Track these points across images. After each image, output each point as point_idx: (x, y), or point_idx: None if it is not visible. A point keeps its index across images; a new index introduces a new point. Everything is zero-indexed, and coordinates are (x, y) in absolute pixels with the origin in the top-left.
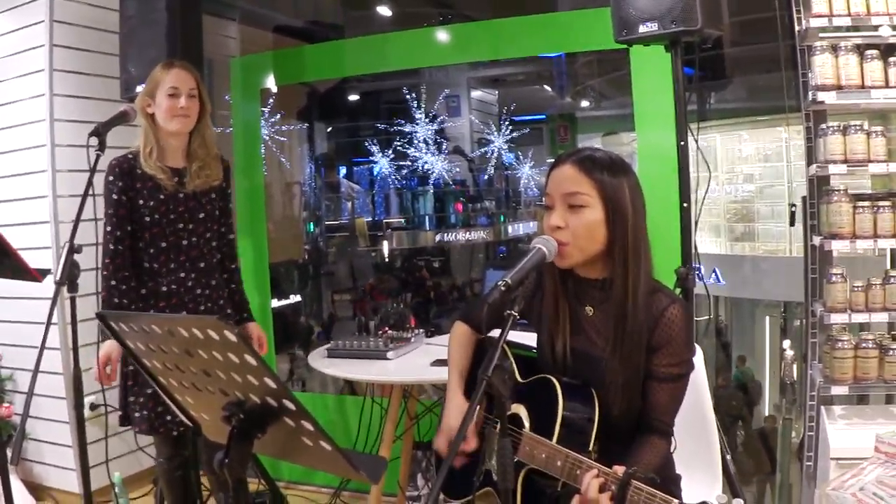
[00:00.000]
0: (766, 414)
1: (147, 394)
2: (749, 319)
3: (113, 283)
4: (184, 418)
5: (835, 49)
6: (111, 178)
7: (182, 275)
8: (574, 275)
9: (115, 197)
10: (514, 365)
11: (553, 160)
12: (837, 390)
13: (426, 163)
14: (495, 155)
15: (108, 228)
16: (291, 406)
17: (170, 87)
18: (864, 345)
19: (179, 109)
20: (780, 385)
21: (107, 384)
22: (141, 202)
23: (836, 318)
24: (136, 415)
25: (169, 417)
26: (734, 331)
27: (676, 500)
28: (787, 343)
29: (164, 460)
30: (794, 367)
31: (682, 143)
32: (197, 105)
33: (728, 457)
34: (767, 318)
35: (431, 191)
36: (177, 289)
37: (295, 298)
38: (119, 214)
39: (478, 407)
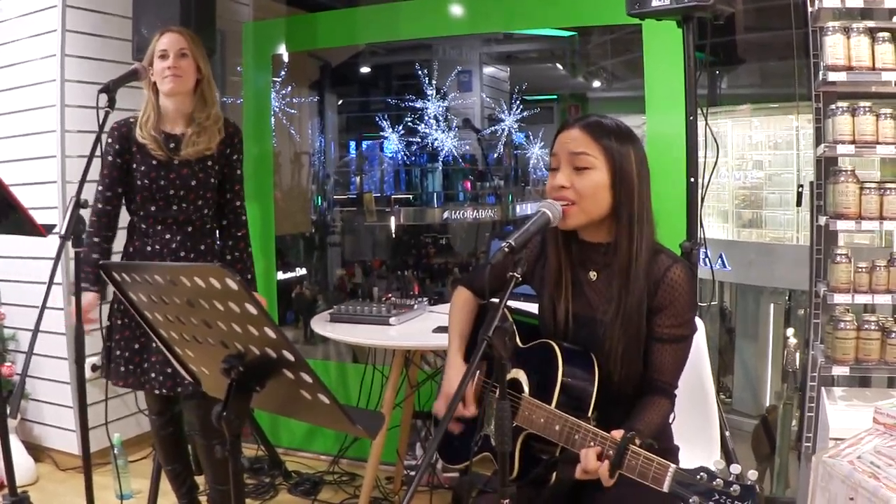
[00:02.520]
0: (768, 401)
1: (133, 349)
2: (754, 306)
3: (95, 239)
4: (185, 373)
5: (846, 31)
6: (110, 140)
7: (167, 236)
8: (578, 239)
9: (109, 158)
10: (515, 329)
11: (561, 123)
12: (838, 371)
13: (436, 139)
14: (505, 133)
15: (100, 188)
16: (290, 357)
17: (160, 51)
18: (866, 326)
19: (168, 70)
20: (782, 372)
21: (88, 324)
22: (135, 166)
23: (840, 299)
24: (122, 369)
25: (153, 374)
26: (738, 317)
27: (673, 465)
28: (790, 331)
29: (154, 417)
30: (798, 354)
31: (692, 118)
32: (189, 64)
33: (727, 432)
34: (772, 305)
35: (440, 168)
36: (160, 249)
37: (301, 271)
38: (112, 176)
39: (478, 371)
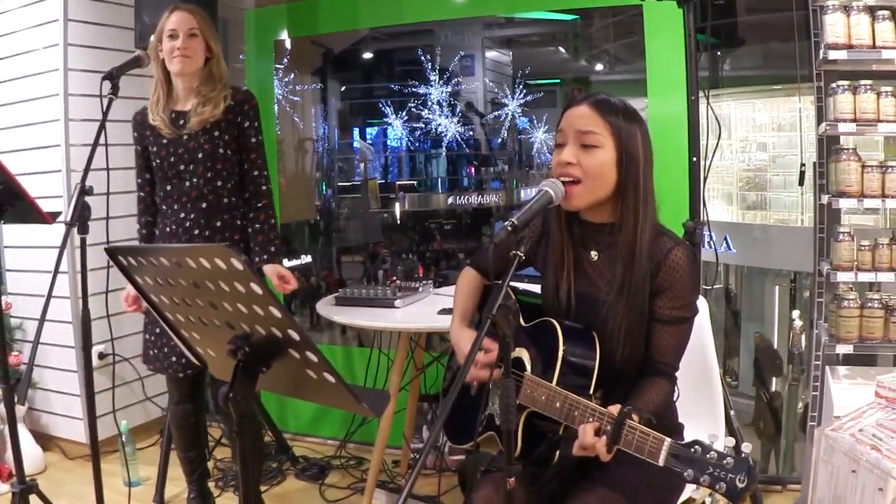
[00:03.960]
0: (774, 383)
1: (156, 333)
2: (759, 288)
3: (137, 226)
4: (191, 356)
5: (846, 9)
6: (132, 129)
7: (182, 215)
8: (580, 219)
9: (136, 147)
10: (519, 308)
11: (568, 101)
12: (842, 349)
13: (439, 125)
14: (509, 118)
15: (136, 176)
16: (296, 336)
17: (169, 30)
18: (869, 304)
19: (177, 49)
20: (788, 354)
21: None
22: (151, 149)
23: (843, 277)
24: (150, 353)
25: (174, 359)
26: (744, 299)
27: (668, 439)
28: (796, 313)
29: (173, 404)
30: (803, 336)
31: (693, 97)
32: (198, 44)
33: (732, 412)
34: (777, 287)
35: (444, 153)
36: (176, 229)
37: (307, 259)
38: (139, 164)
39: (483, 341)
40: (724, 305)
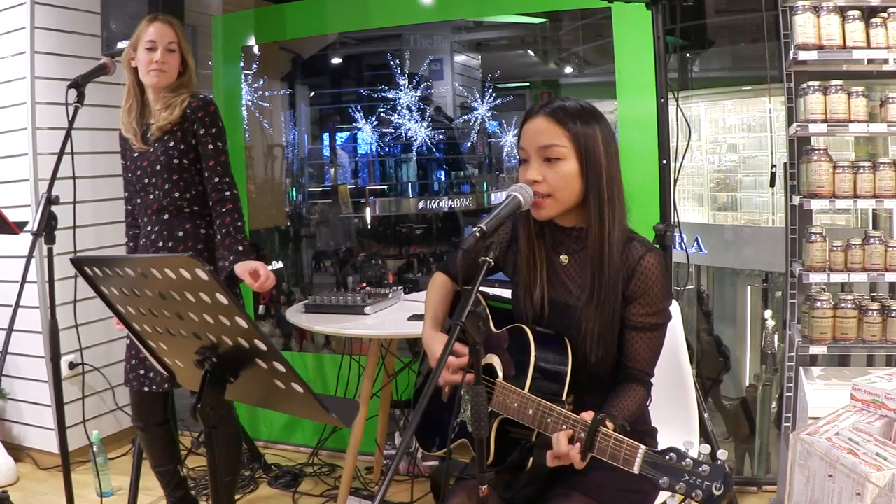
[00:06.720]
0: (747, 383)
1: (127, 345)
2: (731, 289)
3: (125, 239)
4: (159, 367)
5: (816, 10)
6: (119, 144)
7: (149, 227)
8: (550, 223)
9: (122, 162)
10: (489, 314)
11: (525, 113)
12: (816, 350)
13: (409, 129)
14: (478, 122)
15: (123, 189)
16: (262, 346)
17: (147, 41)
18: (842, 305)
19: (154, 63)
20: (761, 354)
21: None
22: (126, 163)
23: (815, 278)
24: (125, 366)
25: (142, 371)
26: (716, 300)
27: (643, 447)
28: (768, 313)
29: (141, 423)
30: (776, 336)
31: (662, 99)
32: (175, 59)
33: (706, 415)
34: (749, 287)
35: (414, 158)
36: (145, 242)
37: (278, 265)
38: (125, 177)
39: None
40: (697, 306)
